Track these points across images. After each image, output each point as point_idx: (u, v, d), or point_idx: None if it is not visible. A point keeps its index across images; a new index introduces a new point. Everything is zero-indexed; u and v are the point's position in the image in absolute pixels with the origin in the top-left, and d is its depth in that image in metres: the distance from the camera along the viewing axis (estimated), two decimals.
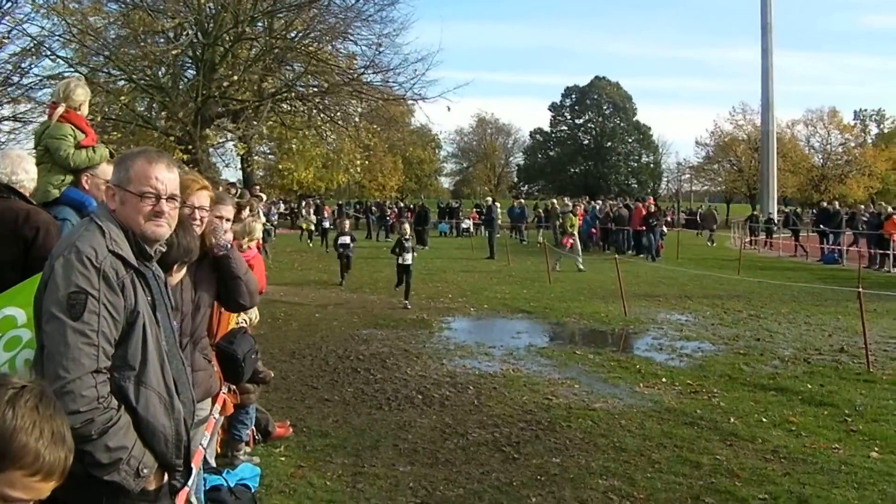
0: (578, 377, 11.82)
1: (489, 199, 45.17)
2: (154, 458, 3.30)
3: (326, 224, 42.62)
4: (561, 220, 35.05)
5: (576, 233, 30.42)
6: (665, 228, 39.25)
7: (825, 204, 39.41)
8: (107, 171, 6.13)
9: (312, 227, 44.46)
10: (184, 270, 4.34)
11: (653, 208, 37.02)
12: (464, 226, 54.20)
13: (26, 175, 5.23)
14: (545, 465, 7.96)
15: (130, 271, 3.33)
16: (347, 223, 26.86)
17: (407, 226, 21.23)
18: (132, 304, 3.29)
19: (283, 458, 8.03)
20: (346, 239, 24.04)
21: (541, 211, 50.61)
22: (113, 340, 3.19)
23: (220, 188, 5.96)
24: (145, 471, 3.23)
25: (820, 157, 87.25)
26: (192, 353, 4.73)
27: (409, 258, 19.07)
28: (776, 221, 49.04)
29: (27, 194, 5.26)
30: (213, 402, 5.49)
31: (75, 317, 3.08)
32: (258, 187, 26.80)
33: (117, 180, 3.52)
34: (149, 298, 3.43)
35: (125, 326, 3.25)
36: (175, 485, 3.54)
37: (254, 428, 8.18)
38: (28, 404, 1.97)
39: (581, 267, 28.36)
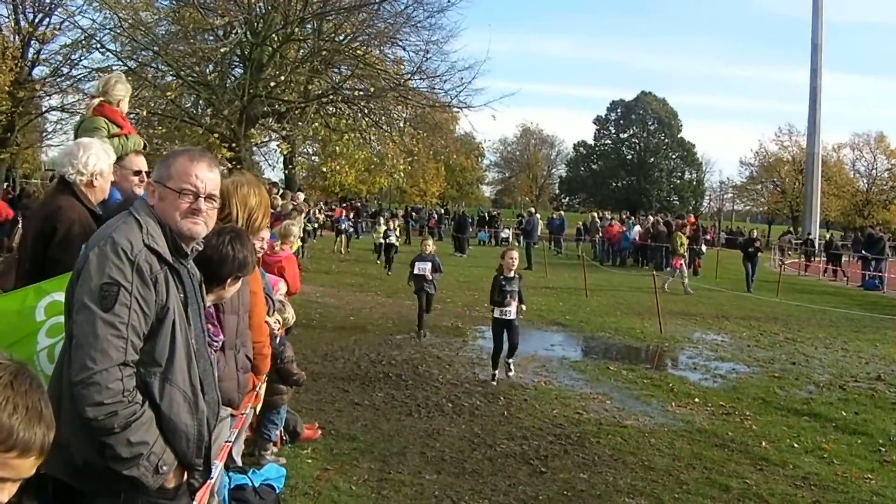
0: (610, 393, 11.76)
1: (531, 209, 45.03)
2: (174, 457, 3.31)
3: (392, 238, 30.71)
4: (669, 239, 32.47)
5: (686, 254, 29.52)
6: (704, 247, 38.87)
7: (870, 229, 39.01)
8: (135, 161, 6.17)
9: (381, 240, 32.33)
10: (238, 284, 4.31)
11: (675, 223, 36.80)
12: (503, 235, 53.93)
13: (71, 167, 5.22)
14: (572, 481, 7.92)
15: (164, 267, 3.34)
16: (430, 242, 17.67)
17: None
18: (163, 299, 3.30)
19: (309, 461, 8.04)
20: (427, 267, 16.14)
21: (581, 223, 50.37)
22: (142, 334, 3.20)
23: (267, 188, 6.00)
24: (164, 468, 3.24)
25: (865, 181, 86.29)
26: (238, 355, 4.73)
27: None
28: (816, 244, 48.48)
29: (82, 187, 5.26)
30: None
31: (106, 308, 3.09)
32: (302, 196, 26.82)
33: (158, 176, 3.55)
34: (181, 296, 3.44)
35: (154, 322, 3.26)
36: (193, 484, 3.55)
37: (282, 429, 8.20)
38: (1, 381, 1.95)
39: (689, 290, 27.02)
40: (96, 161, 5.28)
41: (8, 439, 1.93)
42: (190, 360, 3.42)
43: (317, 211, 44.45)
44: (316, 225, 39.90)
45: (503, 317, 12.18)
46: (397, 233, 32.78)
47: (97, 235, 3.33)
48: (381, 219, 37.22)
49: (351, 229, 42.07)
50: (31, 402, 1.99)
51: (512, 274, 12.35)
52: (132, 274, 3.18)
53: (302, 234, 17.12)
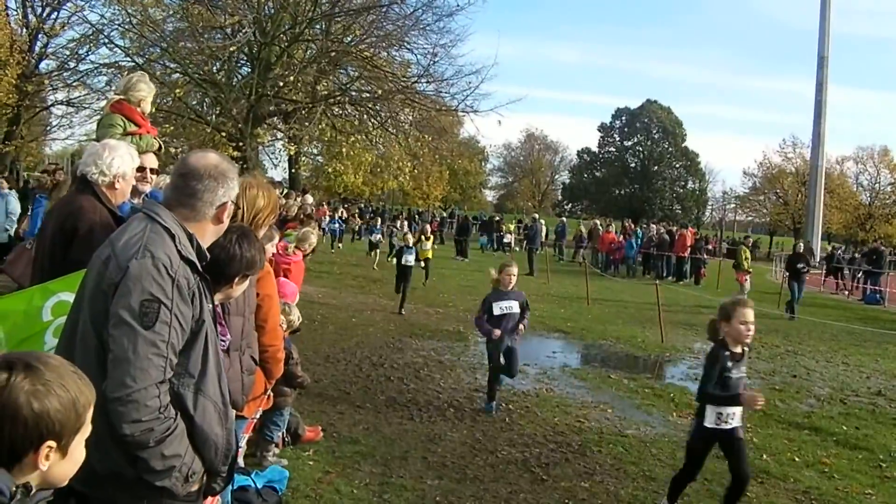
0: (612, 402, 11.75)
1: (535, 215, 45.02)
2: (202, 464, 3.33)
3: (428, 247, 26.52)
4: (736, 254, 31.36)
5: (751, 269, 28.96)
6: (706, 256, 38.85)
7: (874, 244, 39.08)
8: (148, 160, 6.20)
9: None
10: (246, 283, 4.30)
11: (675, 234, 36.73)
12: (505, 240, 53.68)
13: (94, 168, 5.21)
14: (574, 489, 7.93)
15: (197, 277, 3.35)
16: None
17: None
18: (198, 313, 3.31)
19: (311, 463, 8.04)
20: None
21: (582, 230, 50.27)
22: (178, 350, 3.21)
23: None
24: (194, 476, 3.28)
25: (868, 195, 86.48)
26: (243, 356, 4.74)
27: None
28: (816, 257, 48.48)
29: (103, 188, 5.25)
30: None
31: (147, 326, 3.08)
32: (310, 198, 26.77)
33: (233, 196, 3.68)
34: (210, 306, 3.45)
35: (189, 335, 3.27)
36: (214, 488, 3.56)
37: (284, 430, 8.20)
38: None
39: None
40: (121, 163, 5.29)
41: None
42: (220, 371, 3.44)
43: (341, 213, 44.15)
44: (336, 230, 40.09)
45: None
46: (430, 240, 25.73)
47: (130, 246, 3.28)
48: (404, 223, 35.08)
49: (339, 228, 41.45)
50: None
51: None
52: (172, 290, 3.18)
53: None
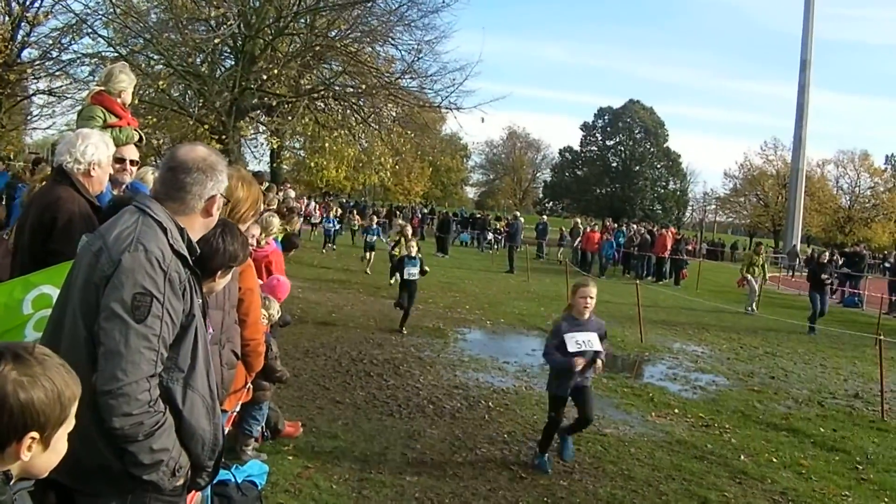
0: None
1: (516, 213, 44.96)
2: (188, 459, 3.33)
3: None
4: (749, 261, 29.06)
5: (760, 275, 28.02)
6: (686, 257, 38.93)
7: (855, 247, 39.28)
8: (121, 149, 6.18)
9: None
10: (228, 276, 4.29)
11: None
12: (489, 238, 53.28)
13: (69, 156, 5.20)
14: (552, 488, 7.95)
15: (188, 272, 3.34)
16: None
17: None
18: (188, 307, 3.30)
19: (290, 458, 8.02)
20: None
21: (563, 228, 50.27)
22: (168, 344, 3.21)
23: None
24: (180, 470, 3.27)
25: (847, 198, 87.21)
26: (223, 350, 4.72)
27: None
28: (796, 258, 48.72)
29: (79, 177, 5.23)
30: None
31: (139, 319, 3.08)
32: (293, 192, 26.69)
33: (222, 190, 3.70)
34: (199, 301, 3.44)
35: (179, 330, 3.27)
36: (199, 483, 3.56)
37: (263, 425, 8.18)
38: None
39: (752, 309, 26.49)
40: (94, 151, 5.27)
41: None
42: (208, 365, 3.44)
43: (335, 210, 42.35)
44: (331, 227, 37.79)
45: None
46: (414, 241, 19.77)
47: (122, 239, 3.26)
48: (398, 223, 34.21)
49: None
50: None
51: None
52: (164, 284, 3.17)
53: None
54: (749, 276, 27.35)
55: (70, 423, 2.35)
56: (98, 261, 3.21)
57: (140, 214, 3.35)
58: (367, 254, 28.66)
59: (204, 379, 3.39)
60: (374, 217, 33.74)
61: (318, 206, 45.33)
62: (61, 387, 2.26)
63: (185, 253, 3.36)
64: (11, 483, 2.22)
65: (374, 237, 28.91)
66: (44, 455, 2.30)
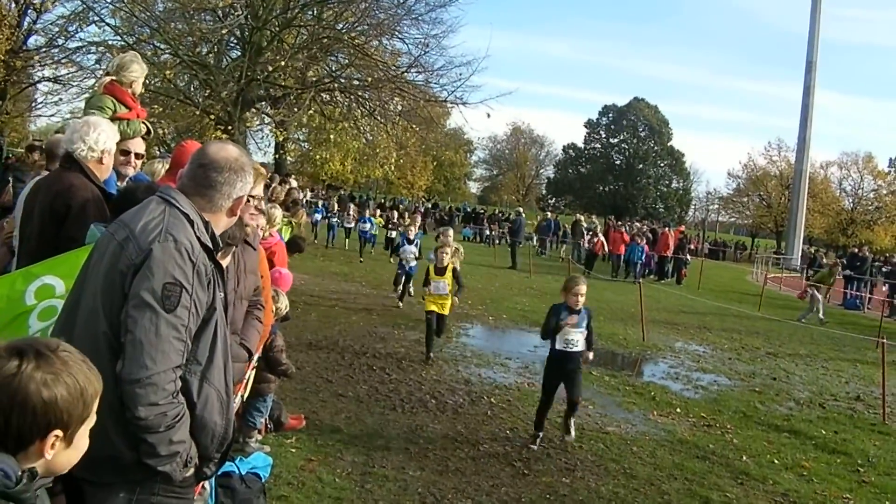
0: (593, 398, 11.77)
1: (519, 209, 44.93)
2: (196, 450, 3.33)
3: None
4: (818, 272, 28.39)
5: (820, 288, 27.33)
6: (689, 257, 38.83)
7: (856, 250, 39.24)
8: (135, 145, 6.18)
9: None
10: (229, 257, 4.30)
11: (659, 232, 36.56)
12: (488, 233, 53.18)
13: (83, 144, 5.18)
14: (554, 485, 7.95)
15: (212, 265, 3.35)
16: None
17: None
18: (210, 299, 3.31)
19: (293, 450, 8.04)
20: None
21: (566, 226, 50.23)
22: (192, 336, 3.22)
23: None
24: (191, 462, 3.28)
25: (850, 200, 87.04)
26: (232, 343, 4.73)
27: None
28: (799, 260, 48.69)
29: (89, 164, 5.23)
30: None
31: (169, 309, 3.09)
32: (294, 182, 26.65)
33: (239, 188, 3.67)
34: (222, 294, 3.45)
35: (201, 322, 3.27)
36: (206, 472, 3.56)
37: (267, 417, 8.19)
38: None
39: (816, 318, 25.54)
40: (106, 139, 5.28)
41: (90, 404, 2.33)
42: (227, 359, 3.44)
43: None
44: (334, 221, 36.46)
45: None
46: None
47: (149, 228, 3.26)
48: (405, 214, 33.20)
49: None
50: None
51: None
52: (192, 275, 3.18)
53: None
54: (814, 289, 26.80)
55: (92, 420, 2.35)
56: (124, 249, 3.21)
57: (166, 205, 3.35)
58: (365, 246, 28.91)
59: (221, 373, 3.39)
60: (395, 213, 32.95)
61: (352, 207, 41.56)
62: (84, 384, 2.26)
63: (210, 245, 3.36)
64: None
65: (368, 225, 29.50)
66: (66, 452, 2.31)
